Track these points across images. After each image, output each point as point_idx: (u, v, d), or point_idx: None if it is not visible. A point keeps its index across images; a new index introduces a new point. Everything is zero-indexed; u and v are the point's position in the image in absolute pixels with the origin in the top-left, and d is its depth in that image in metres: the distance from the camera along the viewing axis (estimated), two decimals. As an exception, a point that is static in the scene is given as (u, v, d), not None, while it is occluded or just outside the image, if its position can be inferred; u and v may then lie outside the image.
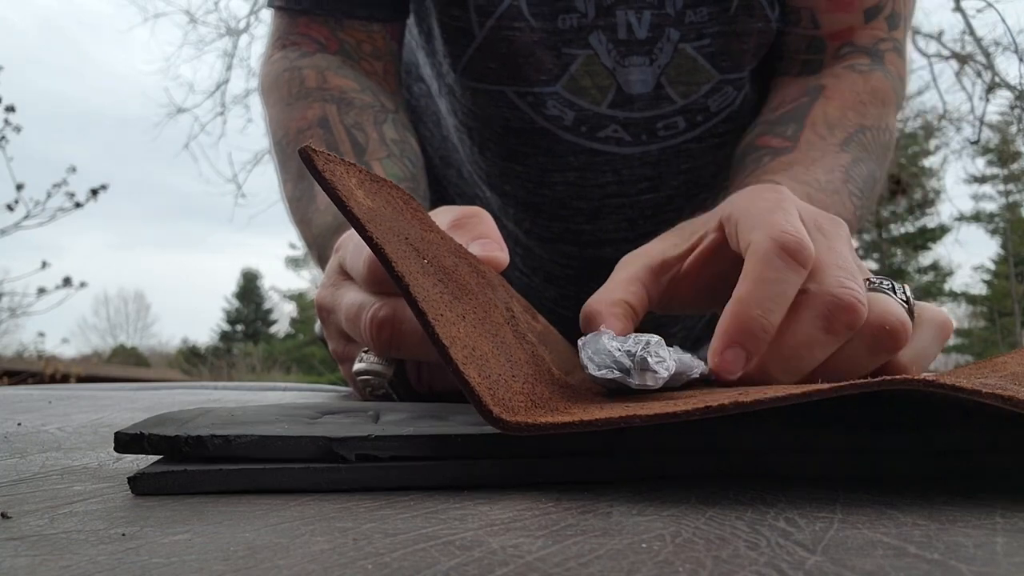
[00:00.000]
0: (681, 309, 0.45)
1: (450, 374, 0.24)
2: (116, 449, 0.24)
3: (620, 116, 0.66)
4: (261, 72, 0.71)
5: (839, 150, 0.60)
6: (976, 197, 18.34)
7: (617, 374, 0.30)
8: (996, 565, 0.16)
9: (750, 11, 0.64)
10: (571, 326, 0.46)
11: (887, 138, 0.65)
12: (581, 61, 0.64)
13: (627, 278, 0.42)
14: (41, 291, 5.72)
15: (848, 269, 0.35)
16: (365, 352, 0.41)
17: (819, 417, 0.25)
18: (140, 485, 0.23)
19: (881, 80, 0.66)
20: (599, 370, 0.31)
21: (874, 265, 17.96)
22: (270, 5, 0.71)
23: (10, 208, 5.27)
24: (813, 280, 0.35)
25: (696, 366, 0.33)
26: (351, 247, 0.41)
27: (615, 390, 0.33)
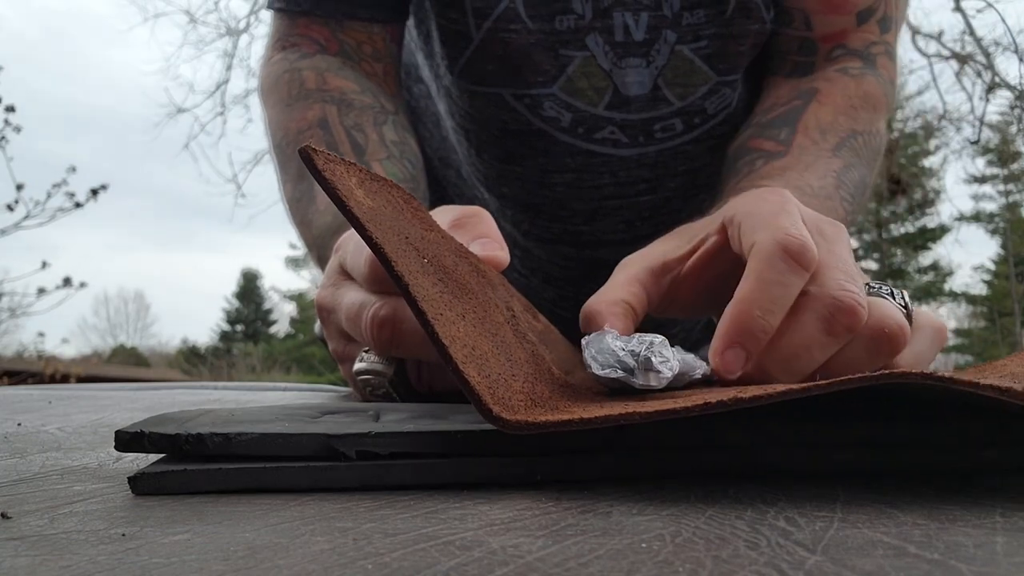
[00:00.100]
0: (680, 312, 0.45)
1: (450, 373, 0.24)
2: (116, 448, 0.24)
3: (617, 118, 0.66)
4: (261, 73, 0.71)
5: (831, 155, 0.60)
6: (976, 197, 18.35)
7: (621, 374, 0.30)
8: (996, 565, 0.16)
9: (747, 13, 0.64)
10: (570, 327, 0.46)
11: (877, 143, 0.65)
12: (578, 63, 0.64)
13: (627, 279, 0.42)
14: (41, 291, 5.73)
15: (849, 272, 0.35)
16: (365, 352, 0.41)
17: (819, 414, 0.25)
18: (140, 485, 0.23)
19: (873, 84, 0.66)
20: (603, 369, 0.31)
21: (874, 265, 17.97)
22: (270, 6, 0.71)
23: (10, 208, 5.27)
24: (814, 282, 0.35)
25: (698, 366, 0.33)
26: (351, 247, 0.41)
27: (617, 389, 0.33)
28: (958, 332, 18.89)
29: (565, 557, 0.16)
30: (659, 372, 0.30)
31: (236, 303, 26.13)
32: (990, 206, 18.12)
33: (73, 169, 5.46)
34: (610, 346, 0.31)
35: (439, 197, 0.78)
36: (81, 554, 0.17)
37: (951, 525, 0.19)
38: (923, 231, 18.11)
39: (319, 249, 0.60)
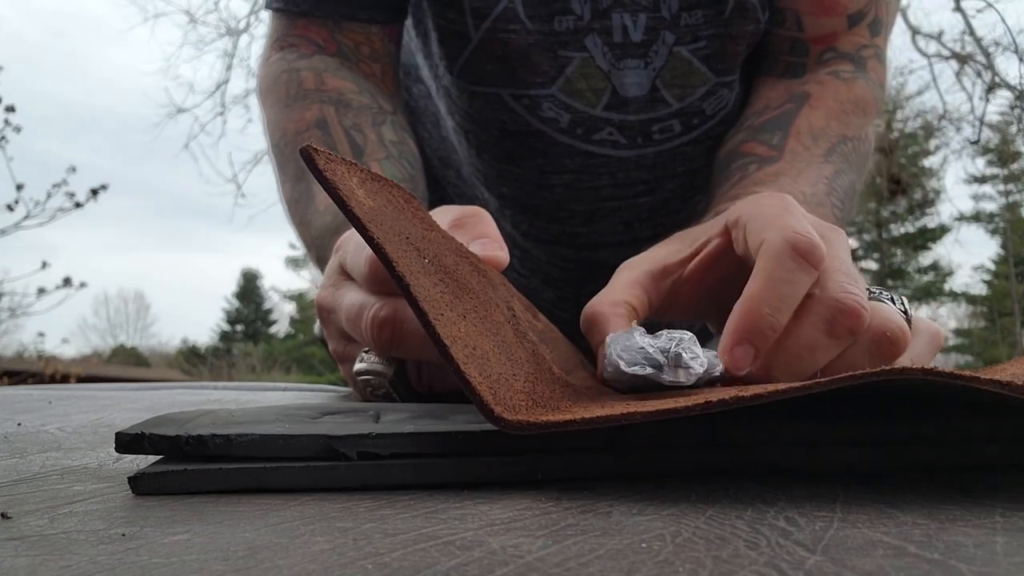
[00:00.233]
0: (681, 315, 0.45)
1: (451, 373, 0.24)
2: (117, 449, 0.24)
3: (615, 119, 0.66)
4: (259, 74, 0.71)
5: (823, 161, 0.60)
6: (976, 197, 18.34)
7: (649, 370, 0.31)
8: (996, 565, 0.16)
9: (744, 13, 0.64)
10: (569, 328, 0.46)
11: (867, 148, 0.65)
12: (577, 64, 0.64)
13: (628, 281, 0.42)
14: (41, 291, 5.73)
15: (851, 275, 0.35)
16: (366, 352, 0.41)
17: (819, 413, 0.25)
18: (140, 485, 0.23)
19: (863, 89, 0.66)
20: (630, 367, 0.31)
21: (874, 265, 17.98)
22: (268, 7, 0.71)
23: (10, 208, 5.28)
24: (817, 285, 0.35)
25: (718, 364, 0.33)
26: (351, 247, 0.41)
27: (625, 389, 0.33)
28: (958, 332, 18.90)
29: (565, 557, 0.16)
30: (689, 368, 0.30)
31: (236, 303, 26.13)
32: (990, 206, 18.13)
33: (73, 169, 5.47)
34: (638, 343, 0.32)
35: (439, 197, 0.78)
36: (81, 554, 0.17)
37: (951, 525, 0.19)
38: (923, 231, 18.11)
39: (318, 249, 0.60)
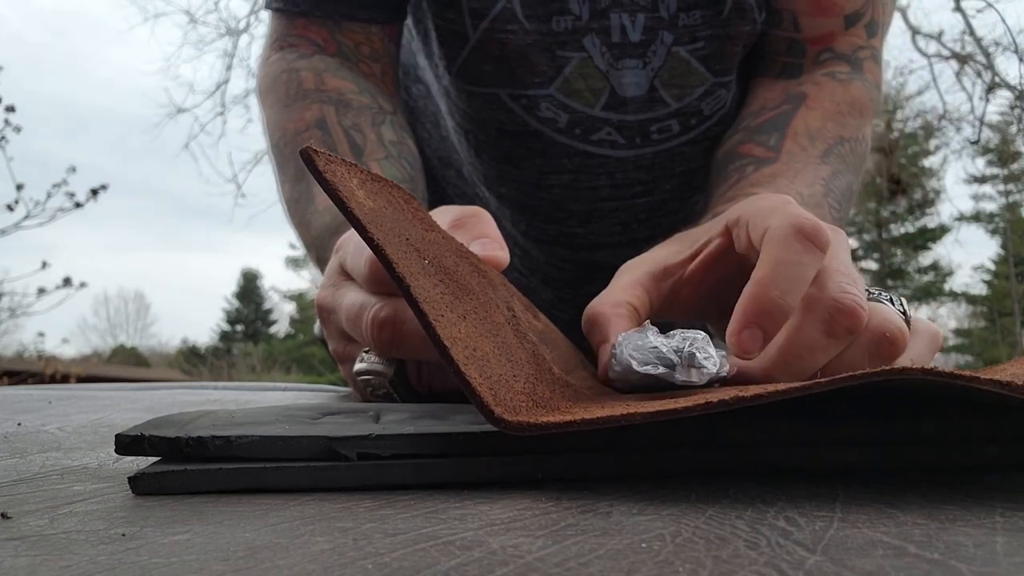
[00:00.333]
0: (682, 315, 0.45)
1: (451, 375, 0.24)
2: (117, 451, 0.24)
3: (614, 119, 0.66)
4: (259, 74, 0.71)
5: (820, 162, 0.60)
6: (976, 197, 18.33)
7: (662, 370, 0.31)
8: (996, 565, 0.16)
9: (742, 14, 0.64)
10: (568, 329, 0.46)
11: (863, 149, 0.65)
12: (575, 64, 0.65)
13: (630, 282, 0.42)
14: (41, 291, 5.73)
15: (850, 275, 0.36)
16: (366, 352, 0.41)
17: (819, 413, 0.25)
18: (140, 485, 0.23)
19: (860, 89, 0.66)
20: (642, 366, 0.31)
21: (874, 265, 17.97)
22: (268, 7, 0.71)
23: (10, 208, 5.28)
24: (815, 285, 0.35)
25: (727, 365, 0.33)
26: (351, 247, 0.41)
27: (631, 388, 0.33)
28: (958, 332, 18.89)
29: (565, 557, 0.16)
30: (702, 368, 0.30)
31: (236, 303, 26.12)
32: (990, 206, 18.12)
33: (73, 169, 5.47)
34: (651, 343, 0.32)
35: (438, 197, 0.78)
36: (81, 554, 0.17)
37: (951, 525, 0.19)
38: (923, 231, 18.11)
39: (318, 250, 0.60)
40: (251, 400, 0.51)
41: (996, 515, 0.20)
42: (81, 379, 6.10)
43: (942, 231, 17.93)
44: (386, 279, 0.37)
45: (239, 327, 25.86)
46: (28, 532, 0.19)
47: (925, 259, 18.68)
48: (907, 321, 0.37)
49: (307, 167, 0.28)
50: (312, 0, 0.67)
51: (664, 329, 0.34)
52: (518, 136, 0.68)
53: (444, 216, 0.42)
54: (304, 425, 0.26)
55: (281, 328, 25.89)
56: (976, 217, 17.95)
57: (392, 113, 0.67)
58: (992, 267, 19.09)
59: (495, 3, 0.63)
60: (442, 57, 0.67)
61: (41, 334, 13.93)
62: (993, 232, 18.30)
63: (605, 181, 0.70)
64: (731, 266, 0.41)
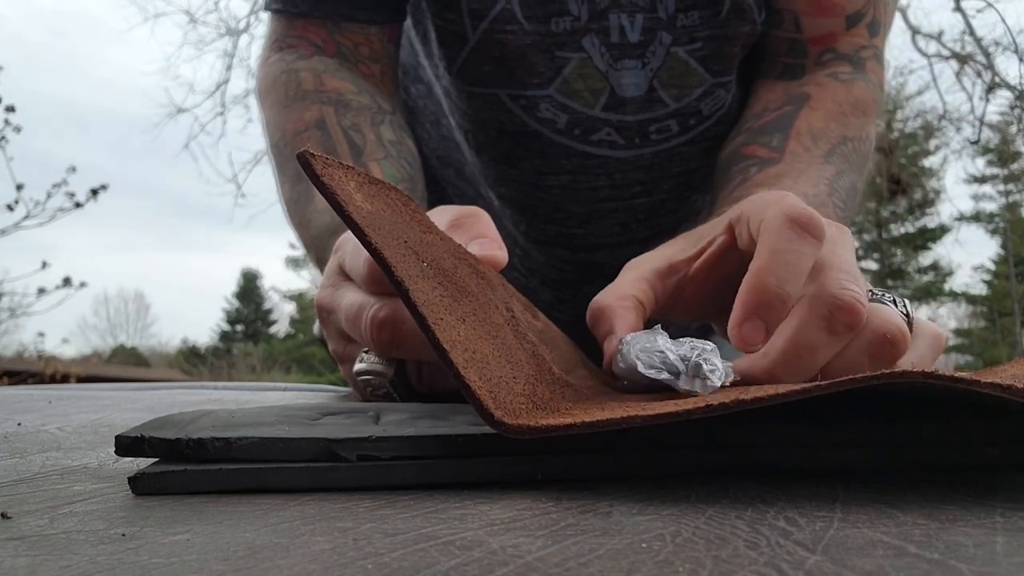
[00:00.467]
0: (685, 314, 0.46)
1: (451, 378, 0.24)
2: (117, 452, 0.24)
3: (613, 119, 0.66)
4: (258, 74, 0.71)
5: (823, 162, 0.61)
6: (976, 197, 18.33)
7: (666, 375, 0.31)
8: (996, 565, 0.16)
9: (740, 15, 0.64)
10: (567, 330, 0.46)
11: (867, 148, 0.65)
12: (574, 64, 0.65)
13: (635, 277, 0.43)
14: (41, 291, 5.73)
15: (851, 273, 0.36)
16: (365, 352, 0.41)
17: (820, 414, 0.25)
18: (140, 485, 0.23)
19: (862, 90, 0.66)
20: (647, 369, 0.31)
21: (874, 265, 17.96)
22: (267, 8, 0.71)
23: (10, 208, 5.28)
24: (815, 282, 0.35)
25: (731, 376, 0.34)
26: (350, 247, 0.41)
27: (633, 388, 0.33)
28: (958, 332, 18.88)
29: (565, 557, 0.16)
30: (706, 379, 0.30)
31: (236, 303, 26.12)
32: (990, 206, 18.12)
33: (73, 169, 5.47)
34: (660, 346, 0.32)
35: (438, 197, 0.78)
36: (81, 554, 0.17)
37: (951, 525, 0.19)
38: (923, 231, 18.10)
39: (317, 250, 0.60)
40: (251, 400, 0.51)
41: (996, 515, 0.20)
42: (81, 379, 6.10)
43: (942, 231, 17.94)
44: (384, 279, 0.37)
45: (239, 327, 25.85)
46: (28, 532, 0.19)
47: (925, 259, 18.69)
48: (909, 323, 0.37)
49: (304, 171, 0.28)
50: (311, 1, 0.67)
51: (673, 335, 0.34)
52: (517, 137, 0.68)
53: (442, 216, 0.42)
54: (304, 426, 0.26)
55: (281, 328, 25.90)
56: (976, 217, 17.95)
57: (391, 113, 0.67)
58: (992, 267, 19.09)
59: (495, 4, 0.63)
60: (442, 57, 0.67)
61: (41, 334, 13.94)
62: (993, 232, 18.30)
63: (604, 182, 0.70)
64: (735, 263, 0.41)
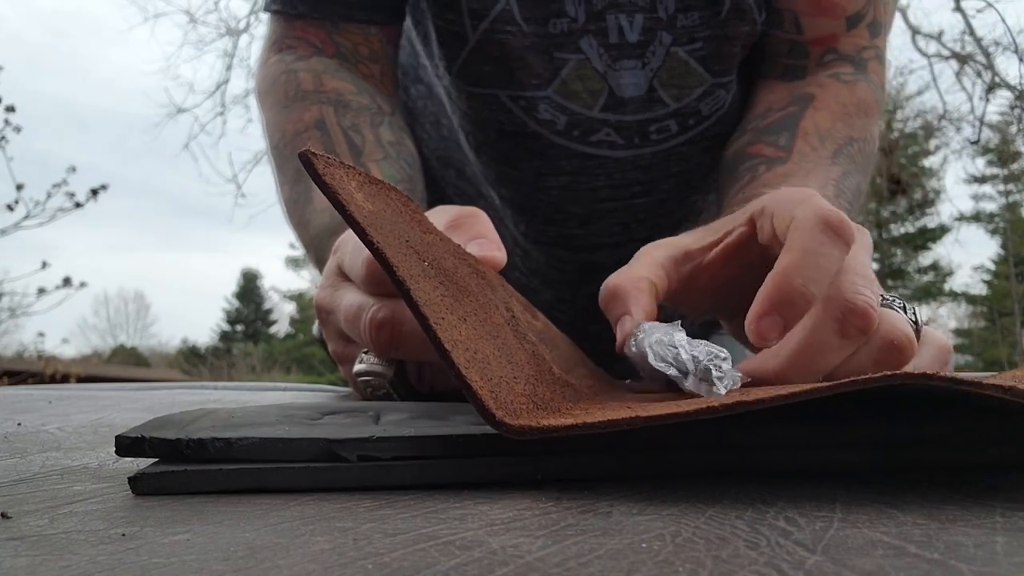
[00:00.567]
0: (695, 304, 0.45)
1: (453, 378, 0.24)
2: (117, 452, 0.24)
3: (612, 119, 0.66)
4: (257, 75, 0.71)
5: (830, 162, 0.60)
6: (976, 197, 18.32)
7: (674, 372, 0.31)
8: (996, 565, 0.16)
9: (740, 15, 0.64)
10: (567, 330, 0.46)
11: (871, 149, 0.65)
12: (572, 65, 0.65)
13: (650, 261, 0.42)
14: (41, 291, 5.73)
15: (866, 277, 0.36)
16: (365, 353, 0.41)
17: (821, 415, 0.25)
18: (140, 485, 0.23)
19: (865, 90, 0.66)
20: (657, 360, 0.32)
21: (874, 265, 17.84)
22: (267, 9, 0.71)
23: (10, 208, 5.28)
24: (830, 285, 0.35)
25: (739, 384, 0.34)
26: (349, 248, 0.41)
27: (640, 373, 0.33)
28: (958, 332, 18.87)
29: (565, 557, 0.16)
30: (713, 385, 0.30)
31: (236, 303, 26.11)
32: (990, 206, 18.11)
33: (73, 169, 5.47)
34: (675, 341, 0.32)
35: (438, 197, 0.78)
36: (81, 554, 0.17)
37: (951, 525, 0.19)
38: (923, 231, 18.10)
39: (317, 251, 0.60)
40: (251, 400, 0.51)
41: (996, 515, 0.20)
42: (81, 379, 6.10)
43: (942, 231, 17.93)
44: (383, 280, 0.37)
45: (239, 327, 25.85)
46: (28, 532, 0.19)
47: (925, 259, 18.69)
48: (918, 330, 0.37)
49: (306, 170, 0.28)
50: (310, 2, 0.67)
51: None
52: (517, 137, 0.68)
53: (441, 217, 0.42)
54: (304, 426, 0.26)
55: (281, 328, 25.90)
56: (976, 217, 17.94)
57: (391, 114, 0.67)
58: (992, 267, 19.09)
59: (494, 4, 0.63)
60: (442, 58, 0.67)
61: (41, 334, 13.94)
62: (993, 232, 18.29)
63: (604, 182, 0.70)
64: (752, 256, 0.41)
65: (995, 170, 17.53)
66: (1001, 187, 17.80)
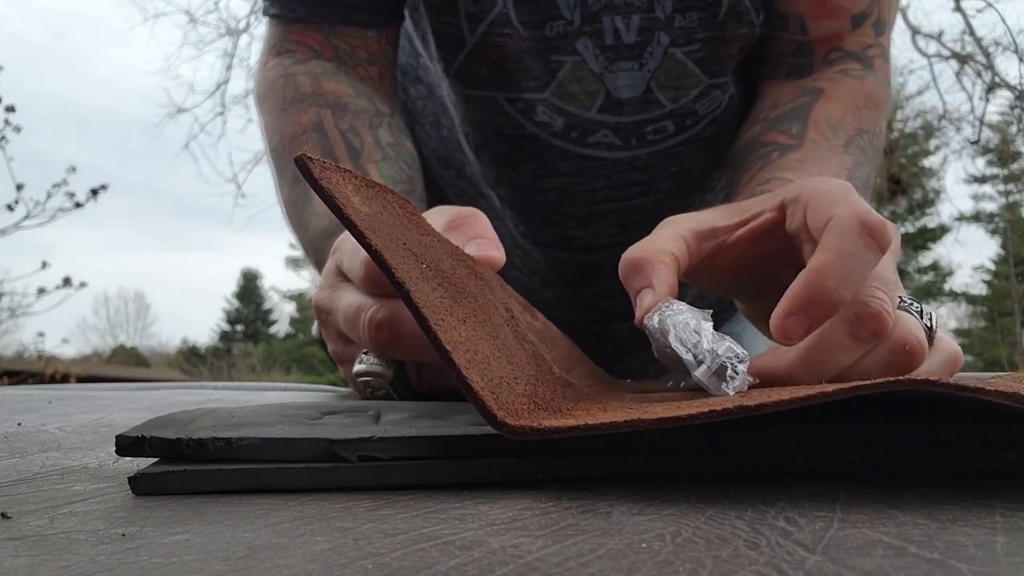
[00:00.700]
0: (712, 281, 0.44)
1: (453, 379, 0.24)
2: (118, 452, 0.24)
3: (610, 121, 0.67)
4: (256, 79, 0.72)
5: (842, 152, 0.60)
6: (976, 197, 18.32)
7: (689, 357, 0.31)
8: (996, 565, 0.16)
9: (738, 16, 0.64)
10: (566, 330, 0.46)
11: (879, 143, 0.66)
12: (568, 67, 0.65)
13: (672, 234, 0.41)
14: (41, 291, 5.74)
15: (885, 279, 0.35)
16: (365, 353, 0.41)
17: (822, 416, 0.25)
18: (140, 485, 0.23)
19: (874, 85, 0.67)
20: (676, 342, 0.31)
21: (874, 265, 17.87)
22: (265, 13, 0.71)
23: (10, 208, 5.28)
24: None
25: (747, 387, 0.33)
26: (348, 249, 0.41)
27: (653, 344, 0.33)
28: (958, 332, 18.86)
29: (565, 557, 0.16)
30: (724, 382, 0.30)
31: (236, 303, 26.11)
32: (990, 206, 18.11)
33: (73, 169, 5.47)
34: (700, 329, 0.31)
35: (437, 198, 0.78)
36: (81, 554, 0.17)
37: (951, 525, 0.19)
38: (923, 231, 18.10)
39: (316, 252, 0.60)
40: (251, 400, 0.51)
41: (996, 515, 0.20)
42: (81, 379, 6.10)
43: (942, 231, 17.93)
44: (382, 280, 0.36)
45: (239, 327, 25.85)
46: (28, 532, 0.19)
47: (925, 259, 18.69)
48: (931, 336, 0.37)
49: (302, 174, 0.28)
50: (308, 6, 0.68)
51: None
52: (515, 139, 0.68)
53: (439, 217, 0.42)
54: (304, 426, 0.26)
55: (281, 328, 25.89)
56: (976, 217, 17.94)
57: (389, 115, 0.67)
58: (992, 267, 19.09)
59: (491, 8, 0.63)
60: (440, 60, 0.68)
61: (41, 334, 13.95)
62: (993, 232, 18.29)
63: (602, 183, 0.70)
64: (777, 242, 0.40)
65: (995, 170, 17.53)
66: (1001, 187, 17.81)
